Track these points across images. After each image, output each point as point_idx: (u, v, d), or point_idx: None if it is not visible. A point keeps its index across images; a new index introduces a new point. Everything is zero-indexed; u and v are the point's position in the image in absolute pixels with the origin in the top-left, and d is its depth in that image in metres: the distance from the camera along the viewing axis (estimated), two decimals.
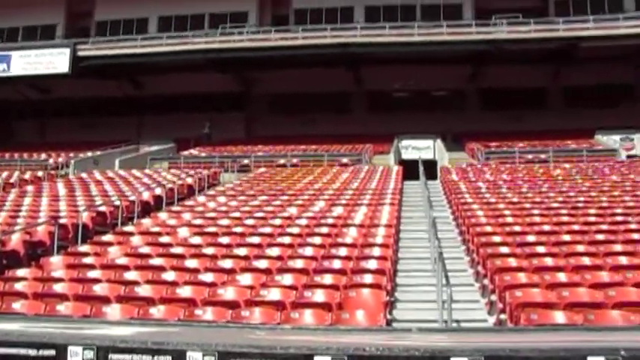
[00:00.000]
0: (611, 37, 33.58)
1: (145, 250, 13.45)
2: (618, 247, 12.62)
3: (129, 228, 16.50)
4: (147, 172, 27.60)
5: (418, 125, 33.73)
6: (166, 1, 39.66)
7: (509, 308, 9.66)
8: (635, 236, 13.56)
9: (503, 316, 9.89)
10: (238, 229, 15.32)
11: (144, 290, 10.59)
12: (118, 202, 18.50)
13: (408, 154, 31.26)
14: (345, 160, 29.69)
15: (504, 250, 12.56)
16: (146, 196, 20.62)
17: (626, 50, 34.59)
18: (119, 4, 40.17)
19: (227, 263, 12.20)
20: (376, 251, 12.79)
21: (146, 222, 17.16)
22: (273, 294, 10.21)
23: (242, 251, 13.08)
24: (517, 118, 35.98)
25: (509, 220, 15.62)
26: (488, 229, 14.42)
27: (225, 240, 14.19)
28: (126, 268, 11.93)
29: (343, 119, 37.76)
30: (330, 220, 16.19)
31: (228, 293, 10.39)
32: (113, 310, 9.69)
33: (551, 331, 7.49)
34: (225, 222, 16.38)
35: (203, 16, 40.06)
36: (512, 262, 11.70)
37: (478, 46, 34.34)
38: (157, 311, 9.58)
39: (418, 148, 31.51)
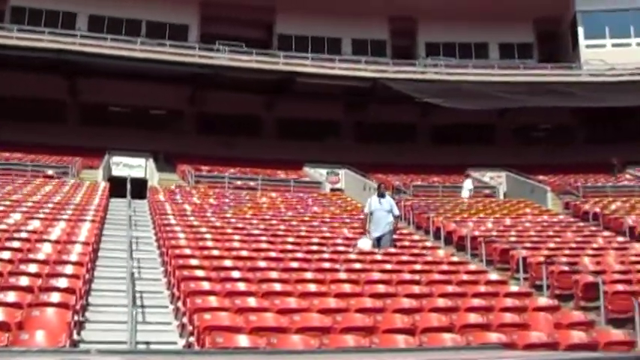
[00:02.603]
0: (325, 75, 35.61)
1: None
2: (309, 275, 13.20)
3: None
4: None
5: (132, 142, 33.00)
6: None
7: (197, 331, 9.71)
8: (327, 265, 14.31)
9: (192, 339, 9.91)
10: None
11: None
12: None
13: (118, 171, 30.50)
14: (50, 171, 28.35)
15: (200, 273, 12.61)
16: None
17: (338, 90, 36.79)
18: None
19: None
20: (69, 269, 12.25)
21: None
22: None
23: None
24: (232, 144, 36.52)
25: (209, 244, 15.76)
26: (187, 251, 14.42)
27: None
28: None
29: (55, 129, 35.81)
30: (23, 234, 15.28)
31: None
32: None
33: (231, 354, 7.59)
34: None
35: None
36: (206, 285, 11.78)
37: (199, 69, 34.67)
38: None
39: (130, 166, 30.91)
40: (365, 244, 16.43)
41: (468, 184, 30.60)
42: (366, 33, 41.55)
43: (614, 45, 40.00)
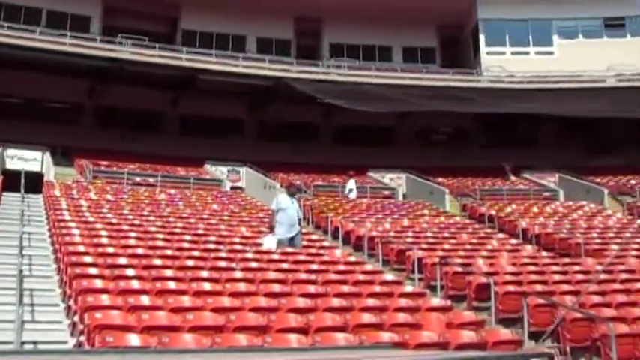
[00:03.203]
0: (229, 73, 35.38)
1: None
2: (205, 274, 13.07)
3: None
4: None
5: (29, 135, 31.82)
6: None
7: (87, 330, 9.50)
8: (223, 264, 14.23)
9: (82, 338, 9.69)
10: None
11: None
12: None
13: (12, 165, 29.54)
14: None
15: (93, 270, 12.30)
16: None
17: (242, 88, 36.60)
18: None
19: None
20: None
21: None
22: None
23: None
24: (133, 139, 35.82)
25: (104, 241, 15.45)
26: (81, 248, 14.08)
27: None
28: None
29: None
30: None
31: None
32: None
33: (120, 353, 7.48)
34: None
35: None
36: (99, 283, 11.52)
37: (100, 62, 33.83)
38: None
39: (24, 159, 29.98)
40: (271, 242, 16.23)
41: (350, 184, 30.93)
42: (271, 32, 41.59)
43: (513, 53, 41.27)
